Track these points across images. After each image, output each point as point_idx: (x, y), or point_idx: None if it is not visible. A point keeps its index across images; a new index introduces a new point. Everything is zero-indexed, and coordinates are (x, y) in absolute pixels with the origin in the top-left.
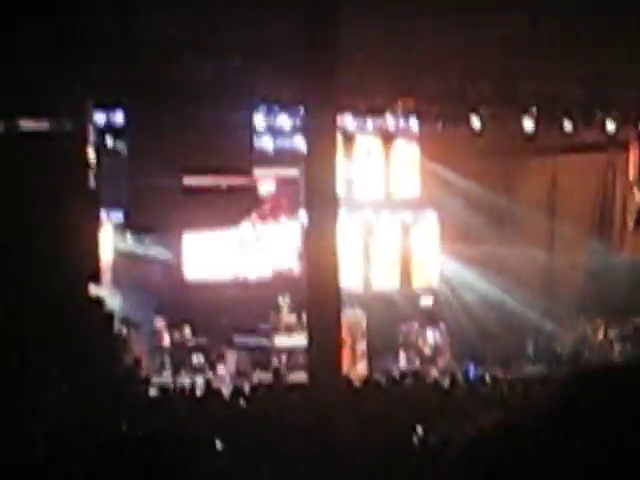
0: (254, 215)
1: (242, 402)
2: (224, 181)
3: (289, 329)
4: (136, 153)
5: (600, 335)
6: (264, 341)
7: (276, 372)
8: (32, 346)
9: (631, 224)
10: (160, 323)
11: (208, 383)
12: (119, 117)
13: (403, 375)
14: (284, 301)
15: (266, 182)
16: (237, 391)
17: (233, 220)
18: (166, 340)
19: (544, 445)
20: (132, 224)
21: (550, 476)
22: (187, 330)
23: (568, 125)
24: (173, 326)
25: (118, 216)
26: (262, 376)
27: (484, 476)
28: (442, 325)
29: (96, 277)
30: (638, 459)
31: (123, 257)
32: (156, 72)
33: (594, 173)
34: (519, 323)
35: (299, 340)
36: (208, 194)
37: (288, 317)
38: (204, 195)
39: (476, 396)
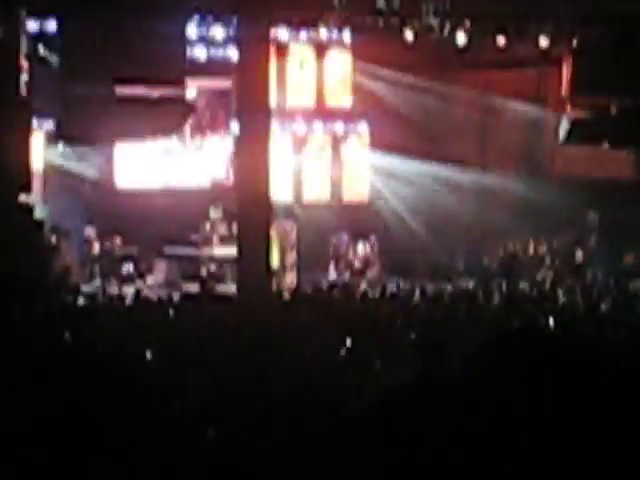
0: (186, 126)
1: (171, 312)
2: (156, 91)
3: (220, 240)
4: (68, 62)
5: (530, 251)
6: (194, 251)
7: (203, 282)
8: None
9: (560, 140)
10: (90, 232)
11: (138, 292)
12: (52, 25)
13: (332, 286)
14: (215, 212)
15: (199, 93)
16: (166, 300)
17: (164, 130)
18: (96, 249)
19: (454, 407)
20: (63, 134)
21: (457, 437)
22: (117, 239)
23: (501, 39)
24: (103, 235)
25: (49, 126)
26: (191, 287)
27: (389, 432)
28: (372, 238)
29: (26, 186)
30: (543, 425)
31: (54, 166)
32: None
33: (526, 88)
34: (450, 238)
35: (229, 251)
36: (139, 104)
37: (219, 228)
38: (135, 105)
39: (404, 309)
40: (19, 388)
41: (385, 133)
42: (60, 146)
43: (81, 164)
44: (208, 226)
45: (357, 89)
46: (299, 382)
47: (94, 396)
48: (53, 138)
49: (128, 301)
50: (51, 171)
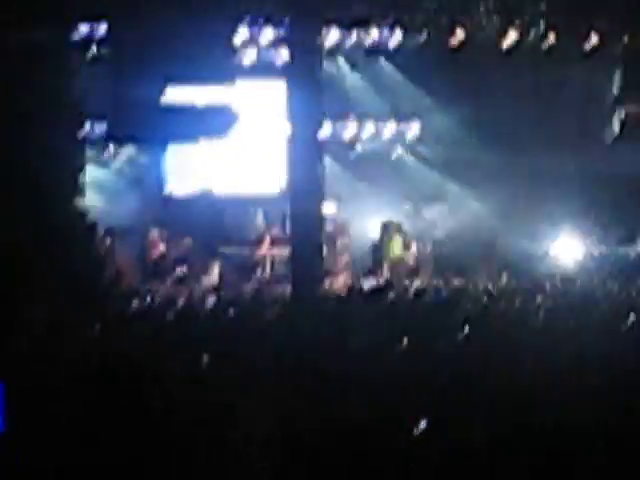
0: (234, 130)
1: (229, 312)
2: (206, 94)
3: (274, 241)
4: (119, 64)
5: None
6: (248, 252)
7: (260, 283)
8: (18, 262)
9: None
10: (154, 234)
11: (191, 294)
12: (102, 29)
13: (386, 286)
14: (267, 214)
15: (249, 96)
16: (221, 302)
17: (213, 135)
18: (156, 252)
19: None
20: (114, 136)
21: None
22: (176, 241)
23: (551, 38)
24: (159, 237)
25: (102, 128)
26: (246, 287)
27: None
28: (426, 240)
29: (80, 189)
30: None
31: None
32: None
33: (578, 87)
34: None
35: (283, 252)
36: (188, 108)
37: (272, 229)
38: (184, 109)
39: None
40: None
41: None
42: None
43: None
44: (261, 227)
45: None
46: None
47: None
48: (105, 140)
49: (182, 303)
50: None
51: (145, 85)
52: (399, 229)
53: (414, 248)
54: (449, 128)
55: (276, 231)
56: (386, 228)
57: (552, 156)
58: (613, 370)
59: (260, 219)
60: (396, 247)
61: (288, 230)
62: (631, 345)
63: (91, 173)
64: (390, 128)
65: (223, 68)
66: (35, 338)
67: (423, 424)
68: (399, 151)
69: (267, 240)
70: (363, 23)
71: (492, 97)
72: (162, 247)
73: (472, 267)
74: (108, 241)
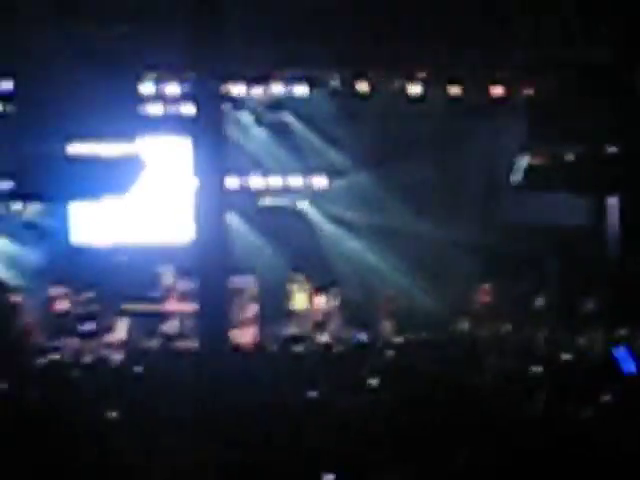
0: (141, 183)
1: (135, 369)
2: (111, 149)
3: (180, 296)
4: (23, 120)
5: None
6: (153, 308)
7: (166, 338)
8: None
9: (515, 185)
10: (55, 290)
11: (95, 351)
12: (7, 84)
13: (294, 339)
14: (171, 268)
15: (154, 149)
16: (128, 358)
17: (119, 190)
18: (58, 307)
19: None
20: (21, 192)
21: None
22: (78, 297)
23: (455, 89)
24: (65, 293)
25: (6, 184)
26: (151, 343)
27: None
28: (334, 290)
29: None
30: None
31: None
32: (44, 38)
33: (482, 138)
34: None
35: (188, 307)
36: (94, 162)
37: (179, 284)
38: (90, 164)
39: (365, 360)
40: None
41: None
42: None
43: (46, 219)
44: (166, 282)
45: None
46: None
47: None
48: (10, 197)
49: (88, 359)
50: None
51: (50, 141)
52: (303, 283)
53: (321, 301)
54: (355, 182)
55: (184, 285)
56: (291, 281)
57: (458, 207)
58: None
59: (169, 274)
60: (300, 301)
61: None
62: None
63: None
64: (297, 181)
65: (129, 122)
66: None
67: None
68: (305, 205)
69: (174, 295)
70: (265, 78)
71: (396, 146)
72: (66, 303)
73: (377, 319)
74: (13, 297)
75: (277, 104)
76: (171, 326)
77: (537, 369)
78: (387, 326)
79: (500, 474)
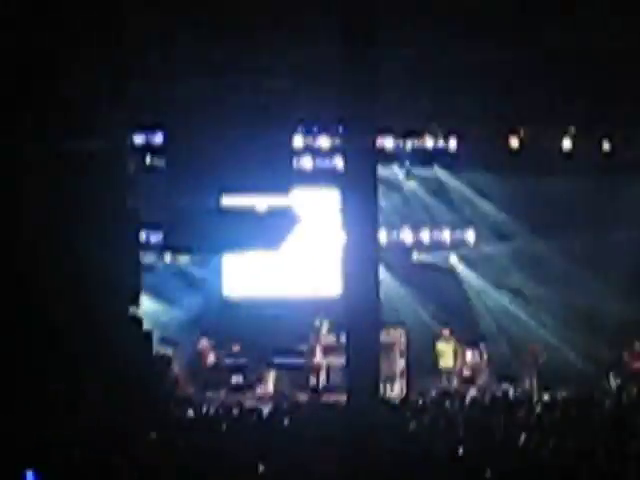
0: (294, 236)
1: (283, 421)
2: (263, 202)
3: (328, 350)
4: (175, 173)
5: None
6: (303, 361)
7: (314, 392)
8: (72, 370)
9: None
10: (204, 343)
11: (242, 403)
12: (158, 137)
13: (443, 394)
14: (323, 321)
15: (306, 203)
16: (276, 411)
17: (272, 243)
18: (208, 360)
19: None
20: (171, 245)
21: None
22: (232, 348)
23: (606, 145)
24: (215, 346)
25: (158, 236)
26: (300, 397)
27: None
28: (481, 345)
29: (136, 299)
30: None
31: (164, 277)
32: (196, 92)
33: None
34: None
35: (337, 360)
36: (247, 215)
37: (327, 338)
38: (243, 216)
39: (515, 416)
40: None
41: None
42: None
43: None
44: (316, 336)
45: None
46: None
47: None
48: (161, 249)
49: (236, 412)
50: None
51: (202, 194)
52: (449, 339)
53: (469, 357)
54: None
55: (330, 338)
56: (437, 338)
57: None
58: None
59: (325, 327)
60: (447, 357)
61: (342, 337)
62: None
63: (148, 279)
64: (446, 235)
65: (281, 176)
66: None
67: None
68: (453, 259)
69: (320, 348)
70: (417, 132)
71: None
72: (212, 356)
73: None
74: (164, 349)
75: (429, 158)
76: (319, 379)
77: None
78: (533, 382)
79: None
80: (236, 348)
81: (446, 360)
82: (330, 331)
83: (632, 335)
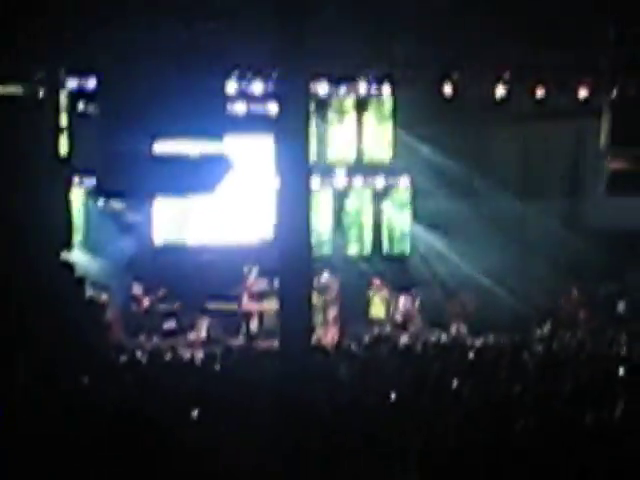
0: (227, 182)
1: (215, 367)
2: (196, 148)
3: (260, 295)
4: (108, 118)
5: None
6: (235, 307)
7: (248, 338)
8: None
9: (602, 191)
10: (137, 289)
11: (175, 349)
12: (92, 83)
13: (375, 341)
14: (252, 267)
15: (239, 149)
16: (209, 356)
17: (205, 187)
18: (142, 306)
19: None
20: (104, 189)
21: None
22: (160, 296)
23: (540, 91)
24: (146, 292)
25: (91, 182)
26: (233, 342)
27: None
28: (414, 291)
29: (67, 243)
30: None
31: (96, 223)
32: (130, 35)
33: (565, 140)
34: (489, 294)
35: (270, 306)
36: (180, 161)
37: (259, 282)
38: (176, 162)
39: (447, 362)
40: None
41: (424, 187)
42: (101, 200)
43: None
44: (248, 281)
45: (398, 143)
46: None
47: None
48: (93, 194)
49: (169, 357)
50: (94, 227)
51: (135, 140)
52: (380, 288)
53: (401, 303)
54: (439, 181)
55: (262, 284)
56: (368, 286)
57: (539, 209)
58: None
59: (254, 273)
60: (377, 307)
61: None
62: None
63: (80, 224)
64: (380, 181)
65: (214, 122)
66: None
67: None
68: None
69: (248, 294)
70: (351, 77)
71: (482, 147)
72: (146, 301)
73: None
74: (98, 294)
75: (362, 104)
76: (249, 325)
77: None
78: (461, 328)
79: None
80: (167, 293)
81: (377, 310)
82: (260, 277)
83: (570, 281)
